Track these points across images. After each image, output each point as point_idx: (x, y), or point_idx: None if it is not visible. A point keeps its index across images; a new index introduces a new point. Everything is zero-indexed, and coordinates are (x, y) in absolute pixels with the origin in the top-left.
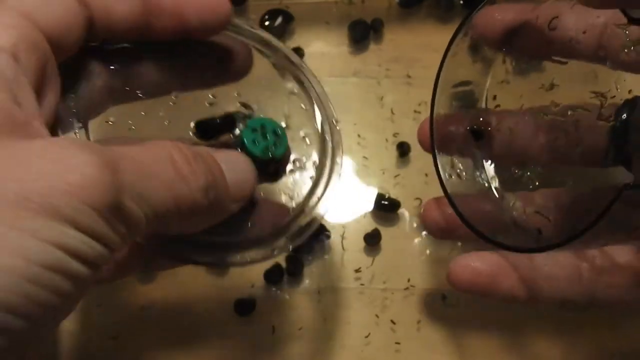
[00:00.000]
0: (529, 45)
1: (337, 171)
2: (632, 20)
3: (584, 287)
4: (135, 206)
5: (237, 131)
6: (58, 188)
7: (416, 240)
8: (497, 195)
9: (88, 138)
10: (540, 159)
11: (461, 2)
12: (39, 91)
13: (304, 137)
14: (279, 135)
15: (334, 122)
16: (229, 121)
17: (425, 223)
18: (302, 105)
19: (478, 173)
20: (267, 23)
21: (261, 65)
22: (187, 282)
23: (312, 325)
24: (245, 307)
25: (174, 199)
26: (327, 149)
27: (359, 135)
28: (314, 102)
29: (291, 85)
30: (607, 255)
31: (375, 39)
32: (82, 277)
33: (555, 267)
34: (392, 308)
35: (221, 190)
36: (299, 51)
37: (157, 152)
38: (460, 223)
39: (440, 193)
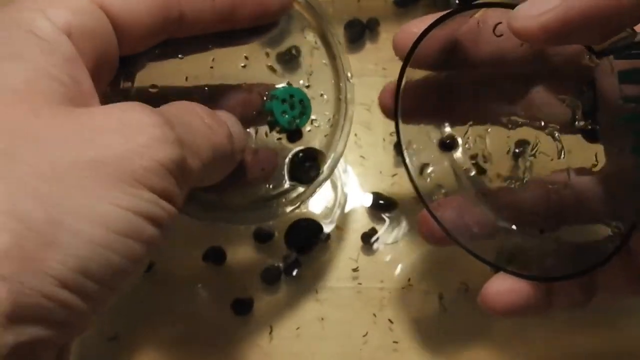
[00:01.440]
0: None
1: (348, 129)
2: (597, 54)
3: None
4: (191, 159)
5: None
6: (131, 150)
7: (413, 240)
8: (477, 200)
9: None
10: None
11: (457, 1)
12: (94, 76)
13: (322, 95)
14: (305, 105)
15: (349, 75)
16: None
17: (423, 235)
18: (324, 60)
19: (455, 178)
20: None
21: (285, 19)
22: (185, 281)
23: (309, 325)
24: (242, 306)
25: (212, 147)
26: (342, 107)
27: (355, 135)
28: (335, 56)
29: (314, 39)
30: None
31: (371, 39)
32: (154, 239)
33: None
34: (389, 307)
35: (232, 139)
36: (295, 50)
37: (186, 108)
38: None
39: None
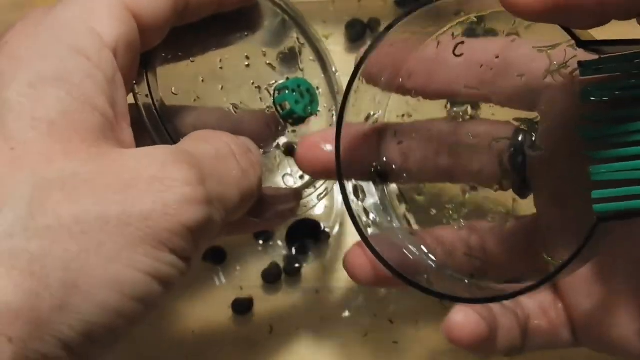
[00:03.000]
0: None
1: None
2: (581, 44)
3: (522, 331)
4: (217, 213)
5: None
6: (159, 211)
7: None
8: (412, 237)
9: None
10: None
11: None
12: (125, 83)
13: (317, 88)
14: (312, 93)
15: (334, 70)
16: None
17: (350, 273)
18: (311, 57)
19: (389, 218)
20: None
21: (273, 19)
22: (185, 281)
23: (310, 325)
24: (243, 306)
25: (240, 195)
26: (336, 99)
27: None
28: (320, 52)
29: (299, 37)
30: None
31: (372, 39)
32: (156, 297)
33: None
34: (389, 307)
35: (261, 179)
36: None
37: (221, 148)
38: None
39: None
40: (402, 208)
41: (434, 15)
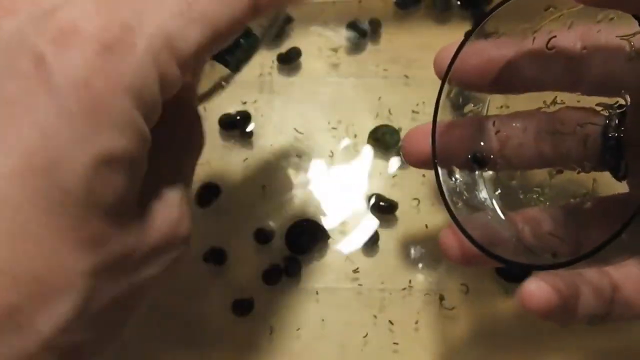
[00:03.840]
0: (525, 77)
1: None
2: None
3: (605, 301)
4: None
5: None
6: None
7: (414, 241)
8: (502, 218)
9: None
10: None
11: (458, 2)
12: None
13: None
14: (248, 51)
15: None
16: None
17: (445, 253)
18: None
19: (480, 195)
20: None
21: None
22: (185, 282)
23: (310, 326)
24: (243, 307)
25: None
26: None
27: (356, 136)
28: None
29: None
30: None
31: (372, 39)
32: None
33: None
34: (390, 308)
35: None
36: (296, 51)
37: None
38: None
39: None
40: (493, 192)
41: (523, 12)
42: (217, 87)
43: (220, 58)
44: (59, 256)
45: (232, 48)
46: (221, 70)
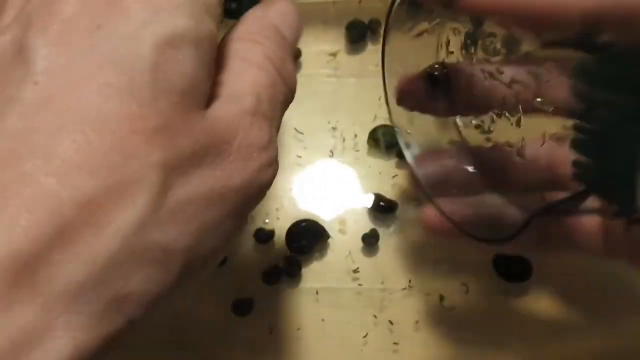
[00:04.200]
0: None
1: None
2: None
3: None
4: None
5: None
6: (246, 181)
7: (414, 241)
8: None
9: None
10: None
11: None
12: None
13: None
14: None
15: None
16: None
17: (429, 229)
18: None
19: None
20: None
21: None
22: None
23: (310, 326)
24: (243, 307)
25: (284, 110)
26: None
27: (355, 136)
28: None
29: None
30: None
31: (372, 40)
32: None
33: None
34: (390, 308)
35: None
36: (296, 51)
37: (269, 70)
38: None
39: None
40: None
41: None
42: None
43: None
44: (131, 146)
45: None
46: None
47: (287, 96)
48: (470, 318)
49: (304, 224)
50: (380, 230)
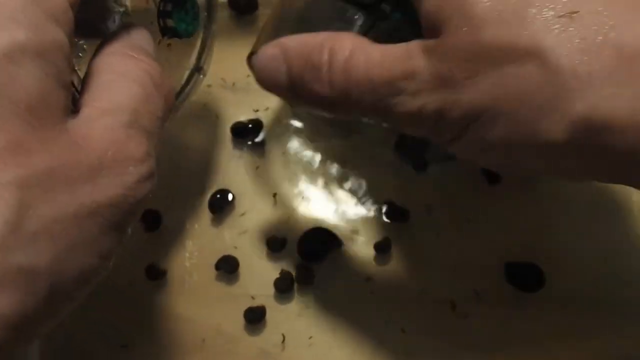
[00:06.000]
0: None
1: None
2: None
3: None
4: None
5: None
6: (122, 195)
7: (426, 249)
8: None
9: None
10: None
11: None
12: None
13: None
14: (195, 11)
15: None
16: None
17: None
18: None
19: None
20: None
21: None
22: (197, 290)
23: (322, 334)
24: (255, 315)
25: (163, 124)
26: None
27: (369, 143)
28: None
29: None
30: None
31: None
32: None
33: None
34: (401, 316)
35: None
36: None
37: (146, 83)
38: None
39: None
40: None
41: None
42: (192, 77)
43: (167, 30)
44: None
45: (172, 13)
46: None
47: (165, 112)
48: (483, 326)
49: (316, 232)
50: (393, 238)
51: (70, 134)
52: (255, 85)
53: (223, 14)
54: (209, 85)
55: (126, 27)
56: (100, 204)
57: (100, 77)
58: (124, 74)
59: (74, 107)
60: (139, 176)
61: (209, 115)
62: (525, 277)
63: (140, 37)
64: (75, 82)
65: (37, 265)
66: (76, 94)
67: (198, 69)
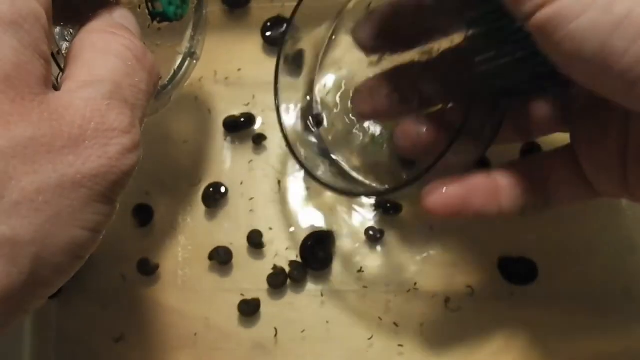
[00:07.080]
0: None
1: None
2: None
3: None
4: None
5: None
6: (104, 166)
7: (419, 243)
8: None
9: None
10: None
11: None
12: None
13: None
14: None
15: None
16: None
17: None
18: None
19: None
20: (268, 33)
21: None
22: (190, 284)
23: (315, 328)
24: (249, 309)
25: (149, 99)
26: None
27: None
28: None
29: None
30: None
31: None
32: (92, 249)
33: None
34: (394, 310)
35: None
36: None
37: (127, 57)
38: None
39: None
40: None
41: None
42: (184, 61)
43: (156, 14)
44: None
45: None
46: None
47: (149, 85)
48: (476, 320)
49: (314, 235)
50: (386, 232)
51: (51, 105)
52: (247, 79)
53: (215, 8)
54: (200, 79)
55: (107, 7)
56: (83, 174)
57: (81, 54)
58: (103, 49)
59: (58, 85)
60: (122, 147)
61: (201, 109)
62: (518, 271)
63: (120, 16)
64: (62, 64)
65: (20, 235)
66: (61, 73)
67: (191, 54)
